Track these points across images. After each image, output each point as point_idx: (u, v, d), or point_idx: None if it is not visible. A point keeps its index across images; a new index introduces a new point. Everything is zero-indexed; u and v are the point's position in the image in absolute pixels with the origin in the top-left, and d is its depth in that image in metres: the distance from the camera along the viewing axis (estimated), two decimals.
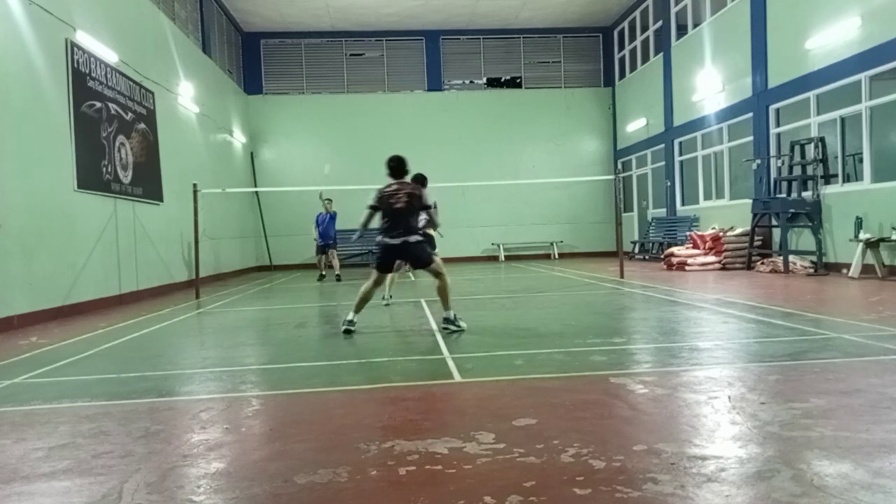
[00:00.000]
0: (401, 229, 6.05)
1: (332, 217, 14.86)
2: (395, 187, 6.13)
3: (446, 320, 6.09)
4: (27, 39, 8.38)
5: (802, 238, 12.16)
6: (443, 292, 6.16)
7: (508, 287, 11.30)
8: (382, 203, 6.12)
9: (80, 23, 9.68)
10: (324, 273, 15.00)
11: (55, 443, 3.06)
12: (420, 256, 6.24)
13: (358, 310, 6.21)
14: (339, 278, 14.48)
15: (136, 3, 12.21)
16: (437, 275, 6.17)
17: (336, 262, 14.77)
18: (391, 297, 8.76)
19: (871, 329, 5.32)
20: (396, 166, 6.26)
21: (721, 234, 13.46)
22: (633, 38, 20.47)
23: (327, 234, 14.74)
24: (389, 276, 7.08)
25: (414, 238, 6.11)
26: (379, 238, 6.15)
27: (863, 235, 10.08)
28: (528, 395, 3.66)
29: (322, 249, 14.84)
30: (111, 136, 10.52)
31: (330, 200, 14.94)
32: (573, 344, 5.27)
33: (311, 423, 3.31)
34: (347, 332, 6.10)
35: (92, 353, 5.70)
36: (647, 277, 11.79)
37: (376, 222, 6.32)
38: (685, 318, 6.55)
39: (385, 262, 6.28)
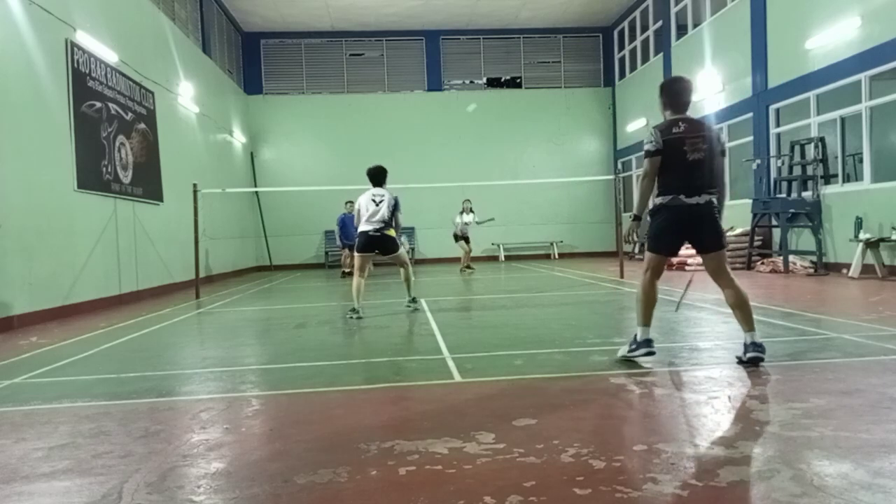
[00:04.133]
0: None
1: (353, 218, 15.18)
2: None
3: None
4: (27, 39, 8.38)
5: (802, 238, 12.16)
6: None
7: (508, 287, 11.30)
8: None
9: (80, 23, 9.68)
10: (346, 270, 15.32)
11: (55, 443, 3.06)
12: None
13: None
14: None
15: (136, 3, 12.21)
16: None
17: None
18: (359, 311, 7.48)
19: (871, 329, 5.32)
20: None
21: None
22: (633, 38, 20.47)
23: (350, 234, 15.10)
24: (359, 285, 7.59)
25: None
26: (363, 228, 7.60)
27: (863, 235, 10.08)
28: (528, 395, 3.66)
29: (344, 248, 15.42)
30: (111, 136, 10.52)
31: (352, 203, 15.23)
32: (573, 344, 5.27)
33: (311, 423, 3.31)
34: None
35: (92, 353, 5.70)
36: None
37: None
38: (685, 318, 6.54)
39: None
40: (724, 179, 4.55)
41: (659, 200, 4.39)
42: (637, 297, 4.49)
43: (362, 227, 7.60)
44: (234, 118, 19.15)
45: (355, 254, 7.73)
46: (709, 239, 4.38)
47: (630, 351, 4.42)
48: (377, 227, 7.50)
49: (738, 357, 4.24)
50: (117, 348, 5.96)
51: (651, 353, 4.35)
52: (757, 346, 4.15)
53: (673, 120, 4.39)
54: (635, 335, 4.42)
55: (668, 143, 4.30)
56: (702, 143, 4.29)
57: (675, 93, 4.48)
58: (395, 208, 7.58)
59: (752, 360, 4.13)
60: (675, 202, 4.30)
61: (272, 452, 2.83)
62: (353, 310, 7.39)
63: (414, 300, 8.05)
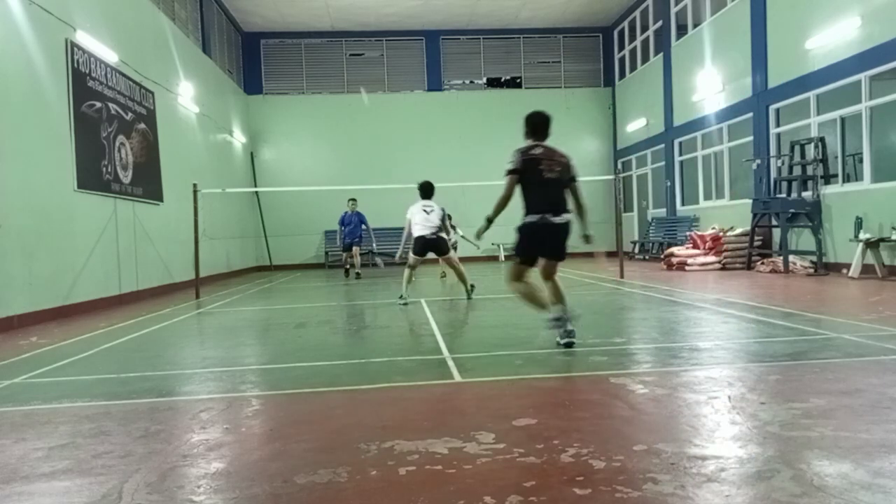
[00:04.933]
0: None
1: (359, 217, 14.99)
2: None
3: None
4: (27, 39, 8.37)
5: (802, 238, 12.16)
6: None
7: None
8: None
9: (80, 23, 9.68)
10: (348, 268, 15.21)
11: (55, 443, 3.06)
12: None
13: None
14: (358, 276, 14.70)
15: (136, 3, 12.20)
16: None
17: (357, 260, 14.94)
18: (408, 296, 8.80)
19: (871, 329, 5.32)
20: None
21: (721, 234, 13.45)
22: (633, 38, 20.46)
23: (353, 232, 14.96)
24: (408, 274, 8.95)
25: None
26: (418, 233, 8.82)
27: (863, 235, 10.08)
28: (528, 395, 3.66)
29: (348, 247, 15.10)
30: (111, 136, 10.52)
31: (354, 201, 15.08)
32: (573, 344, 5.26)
33: (311, 423, 3.31)
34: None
35: (92, 353, 5.70)
36: (647, 277, 11.78)
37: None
38: (685, 318, 6.55)
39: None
40: (584, 199, 5.24)
41: (530, 219, 5.03)
42: (523, 300, 5.21)
43: (419, 233, 8.86)
44: (234, 118, 19.15)
45: (411, 255, 9.00)
46: (560, 251, 5.11)
47: (562, 336, 4.90)
48: (432, 230, 8.80)
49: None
50: (117, 348, 5.96)
51: (566, 322, 4.91)
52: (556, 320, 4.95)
53: (532, 145, 5.08)
54: (551, 319, 4.98)
55: (526, 162, 4.99)
56: (556, 167, 4.99)
57: (535, 124, 5.15)
58: (443, 217, 8.92)
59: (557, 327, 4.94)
60: (545, 221, 4.98)
61: (272, 452, 2.83)
62: (401, 296, 8.61)
63: (472, 287, 8.97)
